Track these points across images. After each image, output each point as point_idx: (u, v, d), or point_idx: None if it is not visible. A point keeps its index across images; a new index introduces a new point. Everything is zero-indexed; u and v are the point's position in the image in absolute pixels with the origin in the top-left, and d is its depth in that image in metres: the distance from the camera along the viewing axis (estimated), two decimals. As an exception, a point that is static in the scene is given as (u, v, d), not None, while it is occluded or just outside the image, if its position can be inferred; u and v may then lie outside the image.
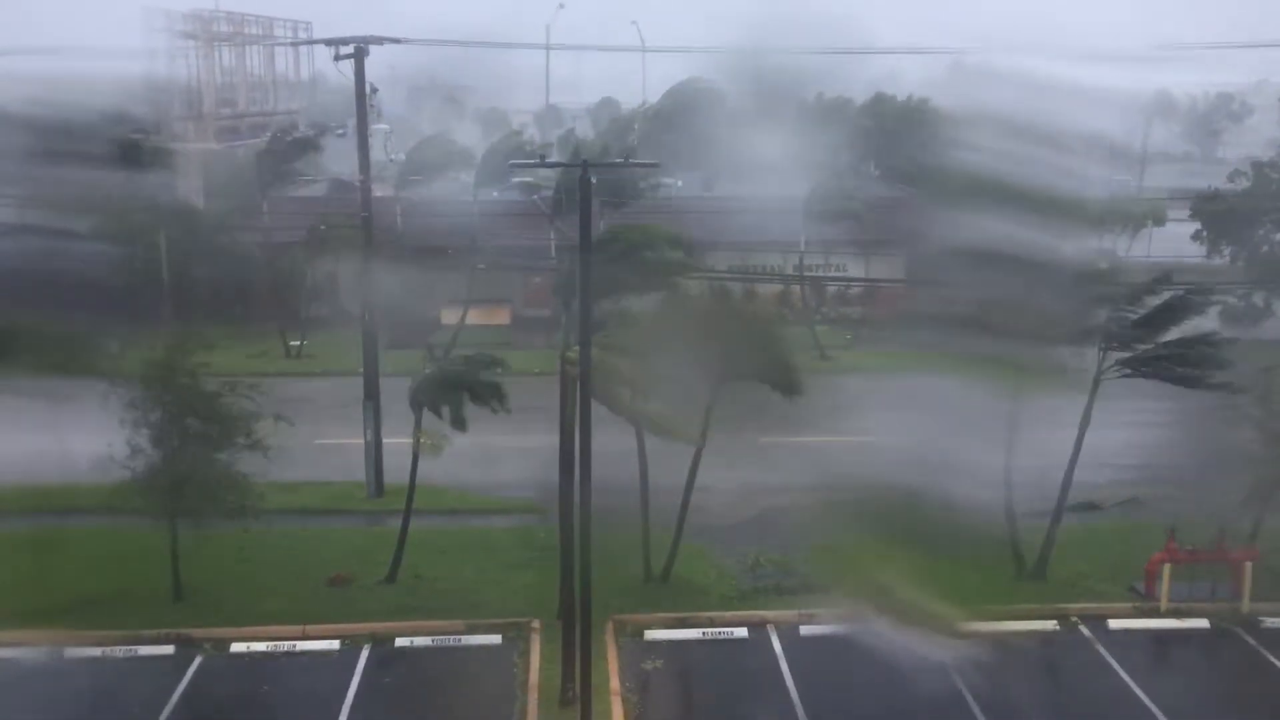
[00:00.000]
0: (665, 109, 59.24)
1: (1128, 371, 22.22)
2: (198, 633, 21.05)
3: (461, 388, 21.29)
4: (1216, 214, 42.56)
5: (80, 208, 40.51)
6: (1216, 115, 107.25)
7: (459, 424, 21.04)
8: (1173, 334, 22.32)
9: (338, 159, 50.79)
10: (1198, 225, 43.52)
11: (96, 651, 20.54)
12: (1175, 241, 45.43)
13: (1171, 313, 22.24)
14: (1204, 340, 22.16)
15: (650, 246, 25.98)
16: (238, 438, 21.34)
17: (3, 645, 20.48)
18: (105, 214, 40.92)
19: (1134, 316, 22.24)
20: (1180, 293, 22.48)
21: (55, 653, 20.42)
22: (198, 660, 20.44)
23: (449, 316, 42.26)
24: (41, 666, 20.15)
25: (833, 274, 45.05)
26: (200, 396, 21.34)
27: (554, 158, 34.07)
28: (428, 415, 21.71)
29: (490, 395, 21.34)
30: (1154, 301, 22.42)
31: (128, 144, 43.85)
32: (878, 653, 20.27)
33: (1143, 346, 22.27)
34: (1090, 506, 25.24)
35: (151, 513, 21.30)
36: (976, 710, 18.95)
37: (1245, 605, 22.20)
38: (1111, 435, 23.51)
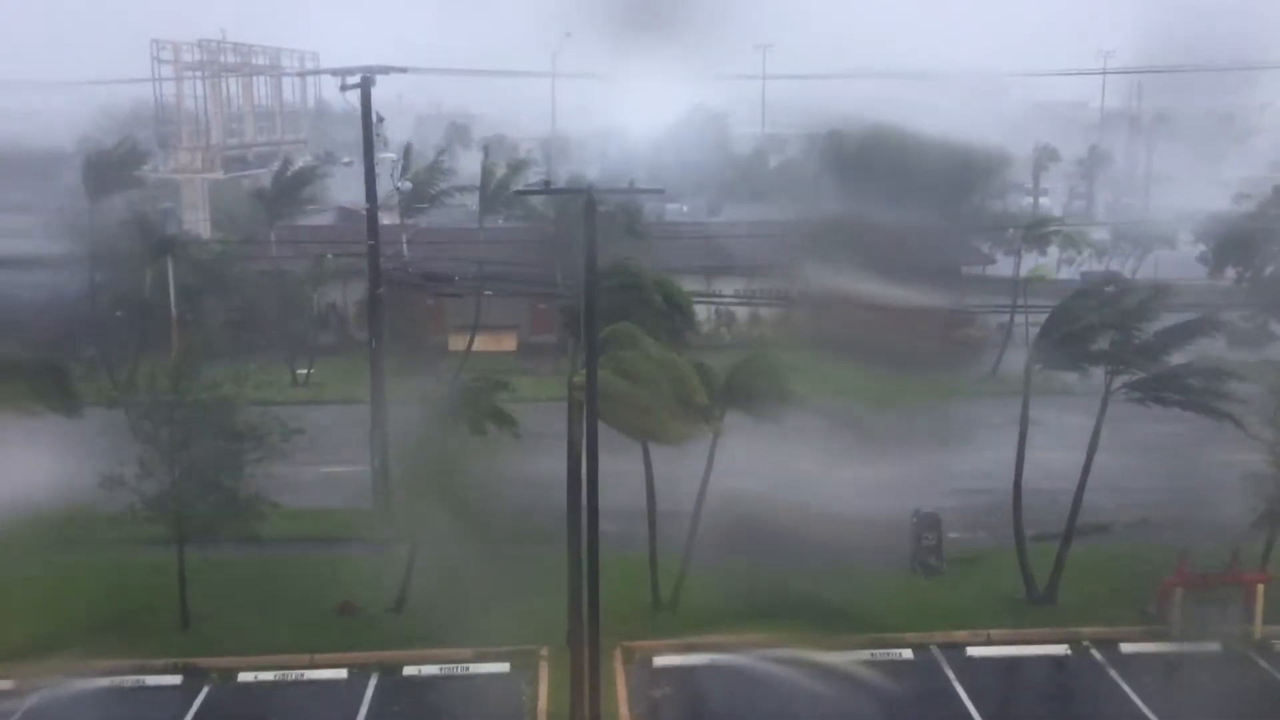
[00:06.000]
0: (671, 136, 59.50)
1: (1136, 395, 22.15)
2: (205, 662, 20.99)
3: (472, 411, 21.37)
4: (1222, 235, 42.57)
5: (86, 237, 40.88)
6: (1219, 138, 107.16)
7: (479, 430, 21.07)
8: (1179, 358, 22.22)
9: (345, 188, 51.05)
10: (1202, 247, 43.52)
11: (105, 682, 20.48)
12: (1177, 265, 45.39)
13: (1178, 336, 22.17)
14: (1211, 365, 22.05)
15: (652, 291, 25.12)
16: (253, 452, 21.40)
17: (14, 676, 20.50)
18: (110, 244, 41.30)
19: (1140, 340, 22.16)
20: (1187, 317, 22.39)
21: (65, 684, 20.37)
22: (205, 690, 20.38)
23: (456, 343, 42.30)
24: (52, 698, 20.10)
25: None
26: (216, 409, 21.43)
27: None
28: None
29: (498, 420, 21.35)
30: (1159, 323, 22.34)
31: (132, 172, 44.26)
32: (889, 680, 20.26)
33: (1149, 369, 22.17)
34: (1100, 529, 25.15)
35: (161, 534, 21.29)
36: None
37: (1258, 628, 22.06)
38: (1121, 458, 23.38)
